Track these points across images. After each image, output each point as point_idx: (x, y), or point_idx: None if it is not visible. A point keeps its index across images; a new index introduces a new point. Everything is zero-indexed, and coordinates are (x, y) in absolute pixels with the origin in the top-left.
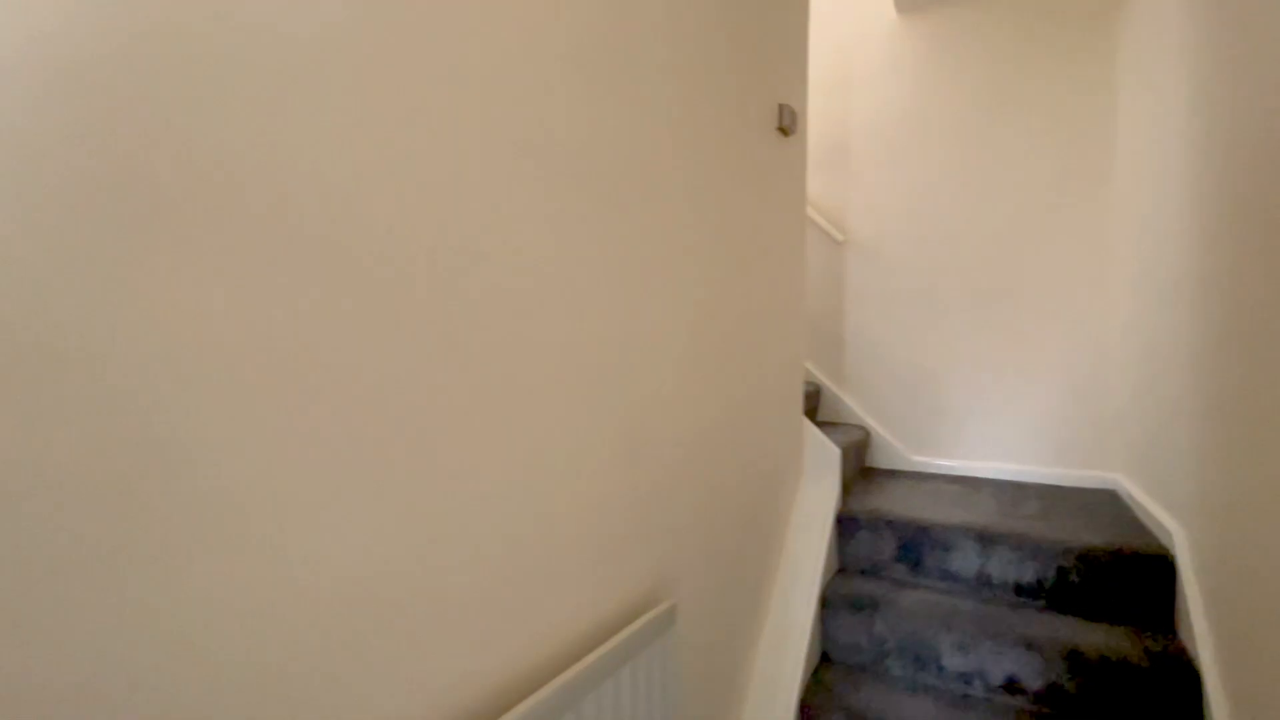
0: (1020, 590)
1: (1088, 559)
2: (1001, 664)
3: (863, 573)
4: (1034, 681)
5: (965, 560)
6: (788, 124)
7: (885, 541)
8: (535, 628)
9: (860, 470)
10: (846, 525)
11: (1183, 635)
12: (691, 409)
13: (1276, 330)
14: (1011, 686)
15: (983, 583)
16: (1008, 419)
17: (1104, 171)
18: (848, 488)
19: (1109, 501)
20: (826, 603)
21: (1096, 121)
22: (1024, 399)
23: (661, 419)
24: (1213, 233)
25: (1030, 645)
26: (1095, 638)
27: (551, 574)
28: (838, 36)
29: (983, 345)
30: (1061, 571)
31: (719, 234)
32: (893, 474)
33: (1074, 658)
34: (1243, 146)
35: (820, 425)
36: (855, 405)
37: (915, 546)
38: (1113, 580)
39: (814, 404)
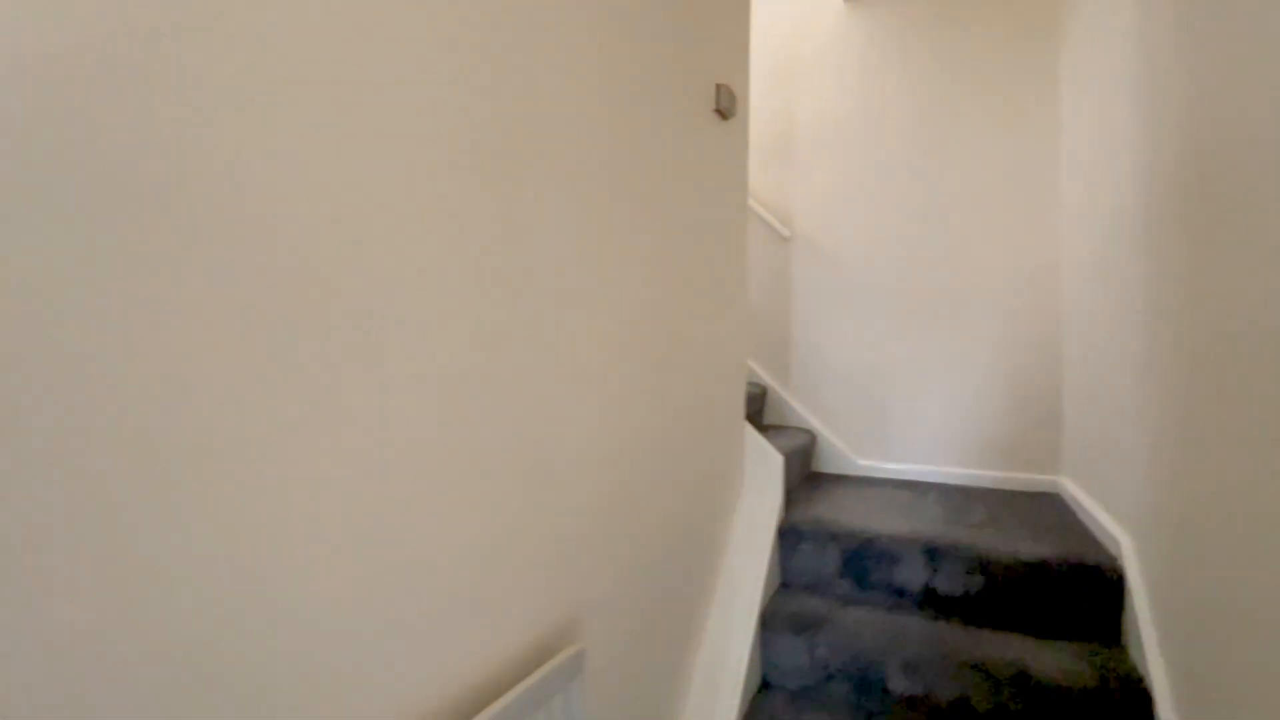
0: (969, 605)
1: (1037, 571)
2: (950, 687)
3: (806, 588)
4: (983, 704)
5: (912, 573)
6: (726, 106)
7: (829, 554)
8: (403, 686)
9: (806, 476)
10: (789, 537)
11: (1132, 652)
12: (619, 422)
13: (1230, 331)
14: (960, 711)
15: (930, 598)
16: (955, 421)
17: (1051, 165)
18: (792, 496)
19: (1054, 506)
20: (766, 623)
21: (1045, 114)
22: (971, 400)
23: (581, 436)
24: (1163, 230)
25: (978, 667)
26: (1045, 657)
27: (428, 621)
28: (784, 25)
29: (930, 345)
30: (1010, 585)
31: (650, 225)
32: (839, 479)
33: (1022, 680)
34: (1194, 133)
35: (765, 429)
36: (802, 408)
37: (861, 559)
38: (1062, 594)
39: (759, 407)
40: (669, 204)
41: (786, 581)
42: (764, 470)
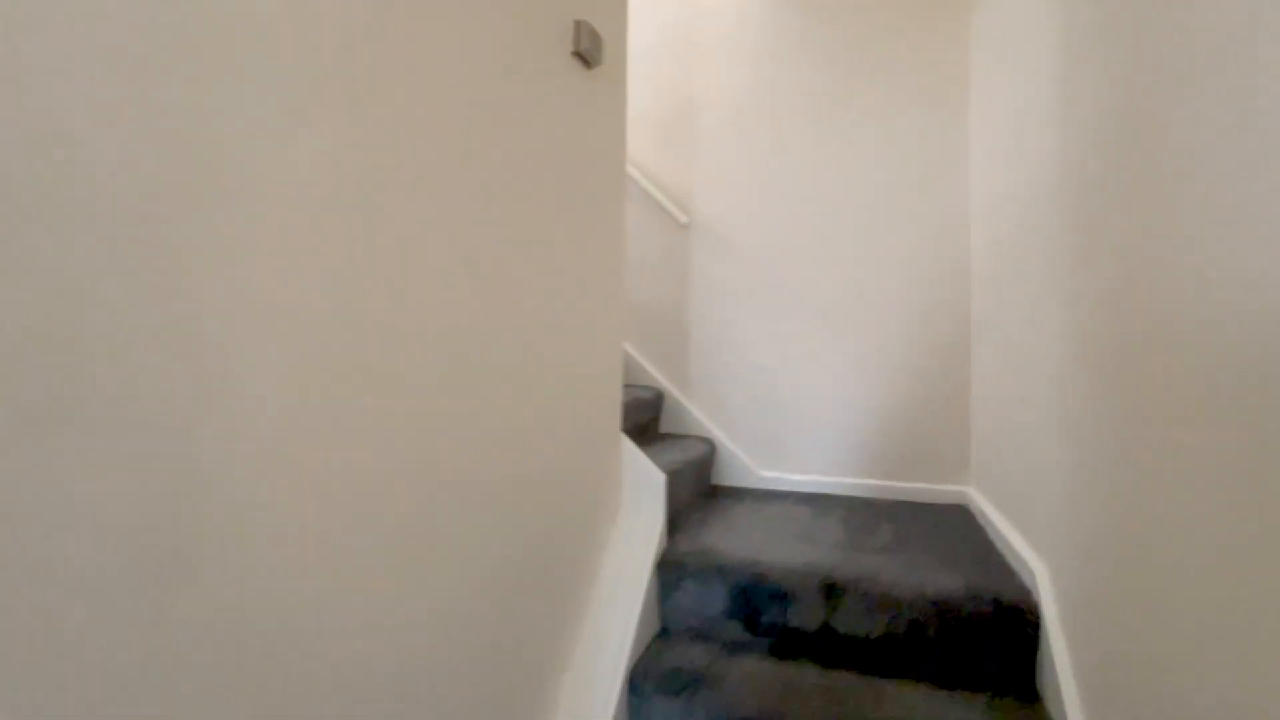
0: (871, 651)
1: (944, 610)
2: None
3: (689, 633)
4: None
5: (809, 613)
6: (589, 49)
7: (716, 593)
8: None
9: (704, 491)
10: (671, 573)
11: (1050, 709)
12: (448, 448)
13: (1172, 323)
14: None
15: (828, 641)
16: (862, 428)
17: (961, 149)
18: (682, 519)
19: (964, 522)
20: (637, 685)
21: (958, 96)
22: (878, 406)
23: (390, 474)
24: (1087, 206)
25: None
26: (953, 714)
27: None
28: None
29: (837, 345)
30: (915, 626)
31: (485, 195)
32: (739, 495)
33: None
34: (1123, 87)
35: (661, 439)
36: (701, 415)
37: (751, 598)
38: (973, 637)
39: (654, 414)
40: (513, 170)
41: (667, 626)
42: (645, 492)
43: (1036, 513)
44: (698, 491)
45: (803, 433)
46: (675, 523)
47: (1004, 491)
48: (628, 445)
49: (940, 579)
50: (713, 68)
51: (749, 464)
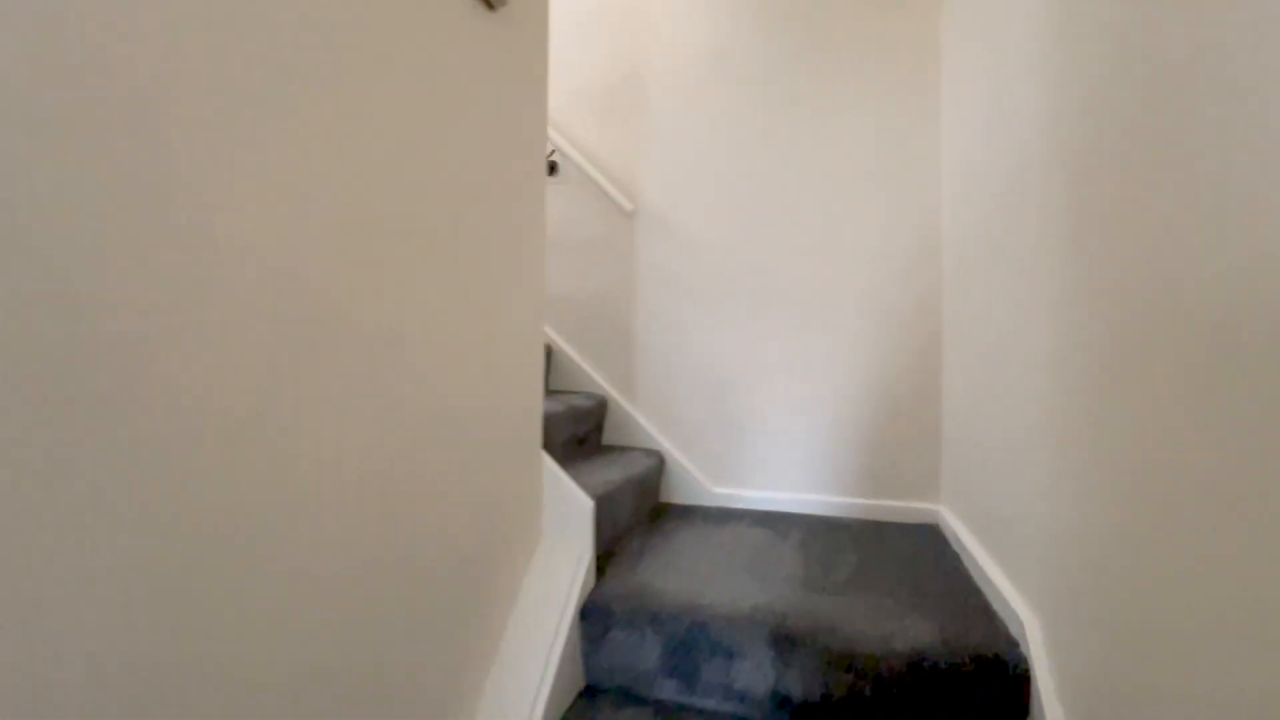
0: (830, 716)
1: (916, 667)
2: None
3: (617, 694)
4: None
5: (756, 672)
6: None
7: (649, 645)
8: None
9: (651, 510)
10: (597, 620)
11: None
12: (332, 484)
13: (1214, 324)
14: None
15: (779, 708)
16: (823, 440)
17: (934, 122)
18: (622, 543)
19: (933, 546)
20: None
21: (931, 63)
22: (842, 415)
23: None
24: (1083, 186)
25: None
26: None
27: None
28: None
29: (797, 347)
30: (882, 686)
31: (357, 158)
32: (689, 514)
33: None
34: (1128, 45)
35: (604, 452)
36: (649, 425)
37: (689, 650)
38: (949, 697)
39: (596, 423)
40: (396, 134)
41: (593, 683)
42: (570, 522)
43: (1022, 548)
44: (642, 512)
45: (760, 445)
46: (611, 552)
47: (981, 516)
48: (550, 466)
49: (912, 628)
50: (662, 37)
51: (701, 479)
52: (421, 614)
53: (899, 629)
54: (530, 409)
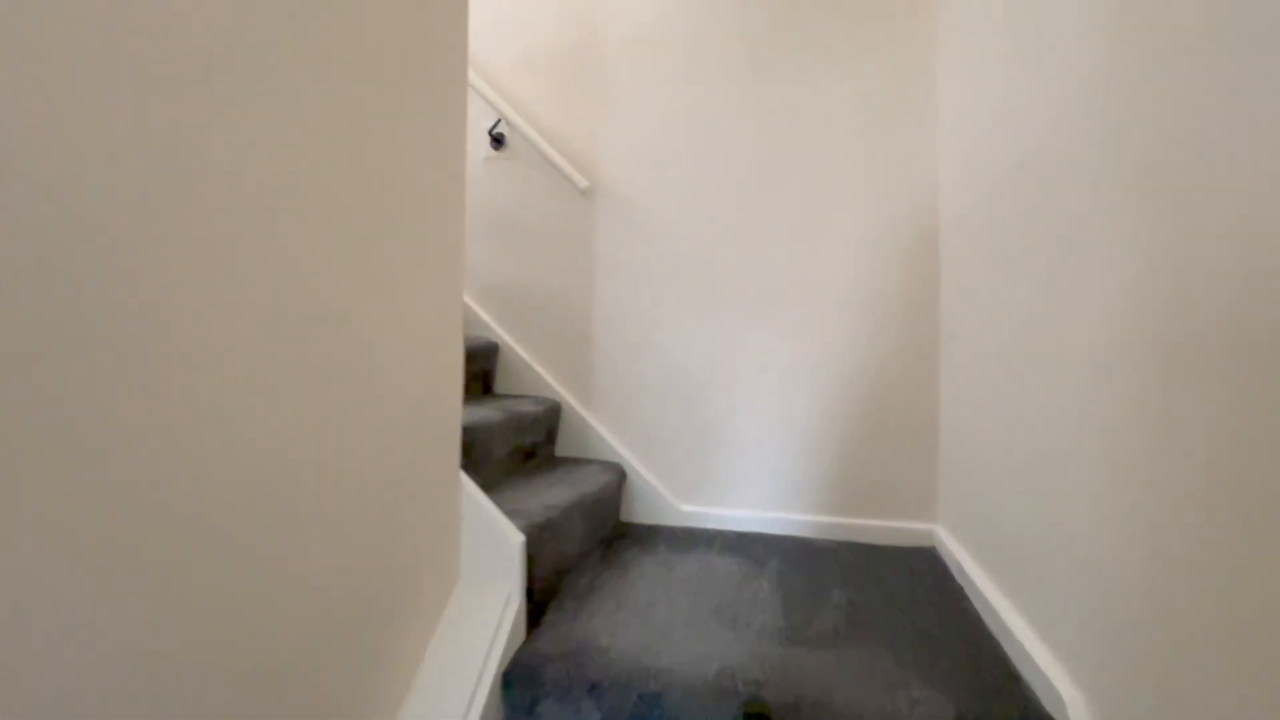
0: None
1: None
2: None
3: None
4: None
5: None
6: None
7: None
8: None
9: (609, 533)
10: (524, 686)
11: None
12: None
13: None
14: None
15: None
16: (805, 451)
17: (927, 90)
18: (568, 580)
19: (932, 575)
20: None
21: (918, 19)
22: (827, 423)
23: None
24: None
25: None
26: None
27: None
28: None
29: (775, 347)
30: None
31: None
32: (652, 538)
33: None
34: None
35: (556, 465)
36: (609, 434)
37: None
38: None
39: (547, 432)
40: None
41: None
42: (496, 561)
43: (1053, 591)
44: (597, 536)
45: (733, 457)
46: (553, 590)
47: (991, 541)
48: (472, 491)
49: (922, 703)
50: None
51: (667, 496)
52: (274, 691)
53: (902, 699)
54: (444, 418)
